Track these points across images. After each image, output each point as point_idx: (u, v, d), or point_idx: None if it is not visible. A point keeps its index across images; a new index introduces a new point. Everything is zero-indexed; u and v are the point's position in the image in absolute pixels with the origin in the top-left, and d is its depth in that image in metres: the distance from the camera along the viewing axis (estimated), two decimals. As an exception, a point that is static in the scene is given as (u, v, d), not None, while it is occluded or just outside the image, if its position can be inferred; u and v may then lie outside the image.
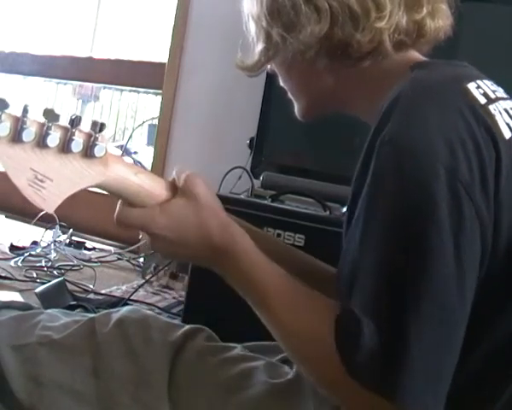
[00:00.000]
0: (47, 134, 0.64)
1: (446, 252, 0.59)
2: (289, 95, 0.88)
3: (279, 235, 1.36)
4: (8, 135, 0.63)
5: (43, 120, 0.64)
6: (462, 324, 0.61)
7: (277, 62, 0.83)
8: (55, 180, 0.66)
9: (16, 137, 0.63)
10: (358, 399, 0.62)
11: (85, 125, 0.68)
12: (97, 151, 0.67)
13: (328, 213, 1.51)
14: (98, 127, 0.67)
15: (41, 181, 0.66)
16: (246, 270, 0.71)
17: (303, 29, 0.75)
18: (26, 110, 0.63)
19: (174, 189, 0.75)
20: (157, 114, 2.57)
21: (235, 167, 1.89)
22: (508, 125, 0.67)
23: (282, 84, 0.87)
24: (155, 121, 2.62)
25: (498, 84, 0.74)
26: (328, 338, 0.63)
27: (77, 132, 0.66)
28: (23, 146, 0.64)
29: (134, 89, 3.48)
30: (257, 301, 0.71)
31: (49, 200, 0.67)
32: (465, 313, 0.61)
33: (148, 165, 2.67)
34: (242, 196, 1.69)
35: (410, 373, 0.59)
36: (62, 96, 3.65)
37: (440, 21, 0.79)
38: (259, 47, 0.81)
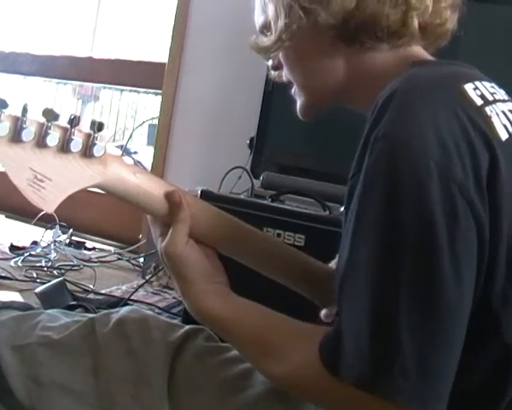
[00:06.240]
0: (46, 134, 0.64)
1: (441, 248, 0.58)
2: (293, 91, 0.85)
3: (279, 235, 1.35)
4: (7, 135, 0.62)
5: (42, 119, 0.64)
6: (461, 320, 0.60)
7: (293, 45, 0.79)
8: (54, 180, 0.66)
9: (16, 136, 0.63)
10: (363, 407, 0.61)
11: (85, 125, 0.68)
12: (96, 151, 0.67)
13: (328, 213, 1.51)
14: (97, 127, 0.66)
15: (40, 181, 0.65)
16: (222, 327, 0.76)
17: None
18: (25, 110, 0.63)
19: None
20: (157, 114, 2.57)
21: (235, 167, 1.89)
22: (505, 126, 0.66)
23: (288, 75, 0.84)
24: (155, 121, 2.62)
25: (499, 84, 0.74)
26: (316, 365, 0.63)
27: (76, 132, 0.66)
28: (23, 146, 0.64)
29: (134, 89, 3.48)
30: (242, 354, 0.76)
31: (48, 200, 0.66)
32: (463, 310, 0.60)
33: (148, 165, 2.67)
34: (242, 196, 1.69)
35: (403, 370, 0.57)
36: (62, 96, 3.65)
37: (453, 16, 0.79)
38: (280, 24, 0.77)
